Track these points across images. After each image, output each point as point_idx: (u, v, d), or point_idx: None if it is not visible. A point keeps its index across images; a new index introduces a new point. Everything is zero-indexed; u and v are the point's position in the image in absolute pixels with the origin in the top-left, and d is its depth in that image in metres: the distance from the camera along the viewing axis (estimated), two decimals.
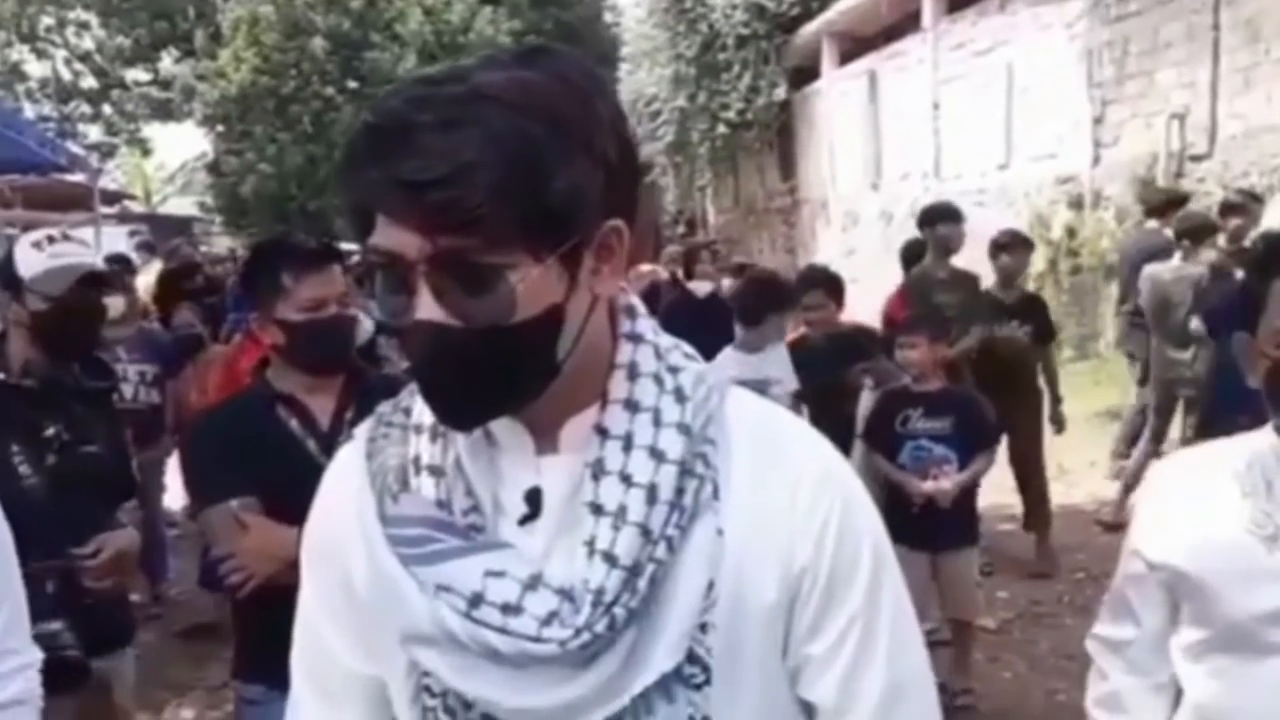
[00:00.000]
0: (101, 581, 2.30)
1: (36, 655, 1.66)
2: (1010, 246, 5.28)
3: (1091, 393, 7.60)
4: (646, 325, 0.94)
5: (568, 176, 0.79)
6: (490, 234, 0.78)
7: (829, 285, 4.52)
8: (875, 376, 4.23)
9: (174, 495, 6.08)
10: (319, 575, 1.00)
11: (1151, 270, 5.40)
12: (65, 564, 2.23)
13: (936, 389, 3.96)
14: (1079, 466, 6.52)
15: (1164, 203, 6.41)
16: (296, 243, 2.37)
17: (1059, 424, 5.39)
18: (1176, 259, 5.35)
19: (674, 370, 0.92)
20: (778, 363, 4.26)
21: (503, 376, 0.84)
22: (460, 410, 0.87)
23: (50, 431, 2.33)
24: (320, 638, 1.00)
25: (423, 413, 0.92)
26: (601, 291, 0.88)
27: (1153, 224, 6.27)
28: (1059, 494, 5.44)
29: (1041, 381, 5.39)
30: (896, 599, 0.95)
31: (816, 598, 0.91)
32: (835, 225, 14.58)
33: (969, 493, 3.99)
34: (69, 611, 2.13)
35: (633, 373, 0.91)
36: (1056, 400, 5.38)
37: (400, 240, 0.79)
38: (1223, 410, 4.49)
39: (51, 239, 2.37)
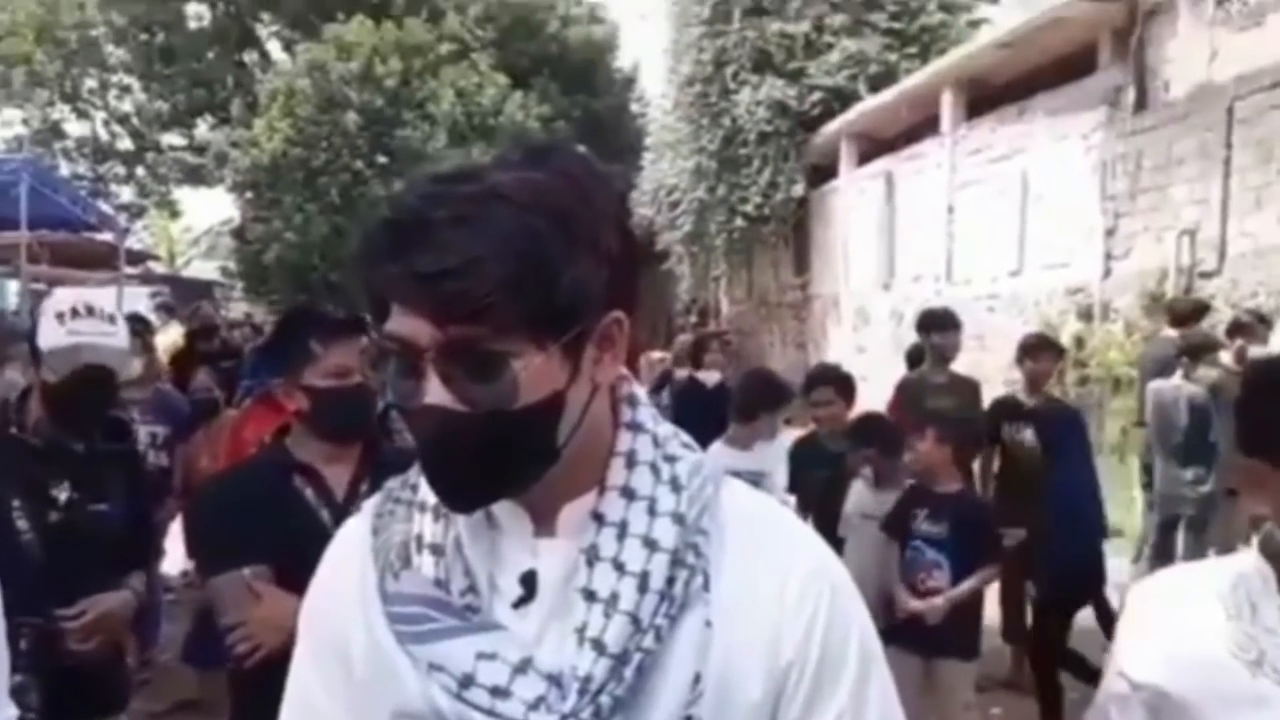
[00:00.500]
0: (84, 644, 2.30)
1: (12, 713, 1.66)
2: (1033, 350, 5.26)
3: None
4: (647, 414, 0.97)
5: (572, 273, 0.84)
6: (497, 324, 0.82)
7: (839, 383, 4.53)
8: (876, 467, 4.14)
9: (172, 560, 6.07)
10: (316, 644, 1.01)
11: (1155, 387, 5.42)
12: (44, 623, 2.22)
13: (944, 492, 3.86)
14: None
15: (1189, 311, 6.45)
16: (326, 311, 2.42)
17: None
18: (1177, 377, 5.37)
19: (671, 459, 0.94)
20: (767, 459, 4.27)
21: (504, 460, 0.87)
22: (462, 492, 0.90)
23: (57, 489, 2.34)
24: (311, 707, 1.00)
25: (428, 491, 0.95)
26: (602, 380, 0.91)
27: (1169, 333, 6.28)
28: None
29: None
30: (884, 696, 0.95)
31: (803, 694, 0.91)
32: (846, 323, 14.68)
33: (968, 605, 3.90)
34: (43, 672, 2.12)
35: (630, 461, 0.93)
36: None
37: (413, 328, 0.84)
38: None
39: (75, 312, 2.35)
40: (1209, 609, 1.31)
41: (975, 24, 15.39)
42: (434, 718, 0.87)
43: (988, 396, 5.49)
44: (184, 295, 12.87)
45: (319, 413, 2.18)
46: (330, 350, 2.17)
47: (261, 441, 4.46)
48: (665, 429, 0.97)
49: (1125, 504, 7.02)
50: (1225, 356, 5.32)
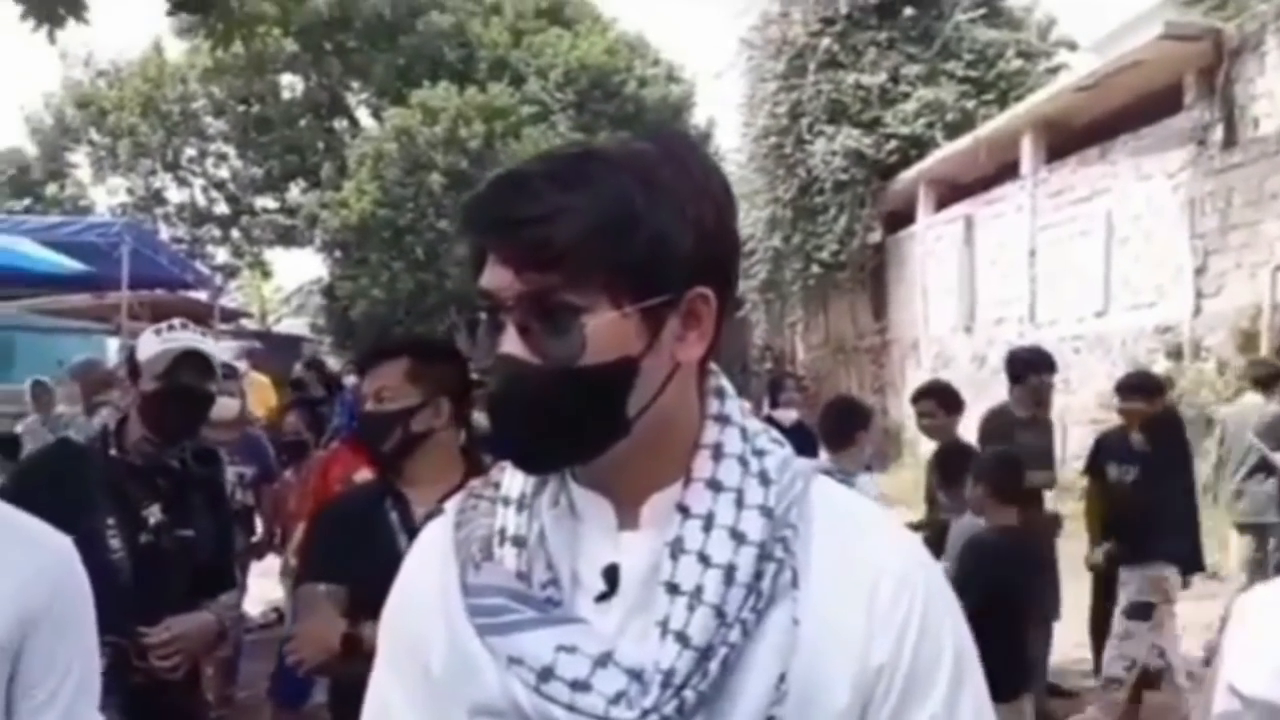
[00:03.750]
0: (165, 662, 2.34)
1: None
2: (1125, 391, 5.22)
3: None
4: (734, 407, 0.94)
5: (654, 229, 0.84)
6: (573, 274, 0.83)
7: (940, 396, 4.63)
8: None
9: (252, 600, 6.19)
10: (393, 645, 1.00)
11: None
12: (127, 643, 2.27)
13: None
14: None
15: (1270, 375, 6.32)
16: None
17: None
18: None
19: (760, 453, 0.92)
20: (868, 488, 4.26)
21: (569, 420, 0.86)
22: (526, 450, 0.90)
23: (149, 511, 2.42)
24: (387, 710, 0.99)
25: (511, 485, 0.95)
26: (684, 358, 0.89)
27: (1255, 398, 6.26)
28: None
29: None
30: (978, 705, 0.92)
31: (893, 701, 0.88)
32: (926, 367, 14.46)
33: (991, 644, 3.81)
34: (121, 692, 2.15)
35: (718, 453, 0.91)
36: None
37: (498, 278, 0.86)
38: None
39: (171, 326, 2.54)
40: None
41: (1054, 70, 15.24)
42: (513, 713, 0.86)
43: (1076, 439, 5.39)
44: (274, 350, 13.28)
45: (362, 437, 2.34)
46: (366, 379, 2.34)
47: (348, 480, 4.61)
48: (754, 424, 0.95)
49: (1221, 542, 6.76)
50: None
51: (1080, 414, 5.65)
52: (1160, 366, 8.86)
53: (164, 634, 2.35)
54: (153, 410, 2.46)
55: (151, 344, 2.48)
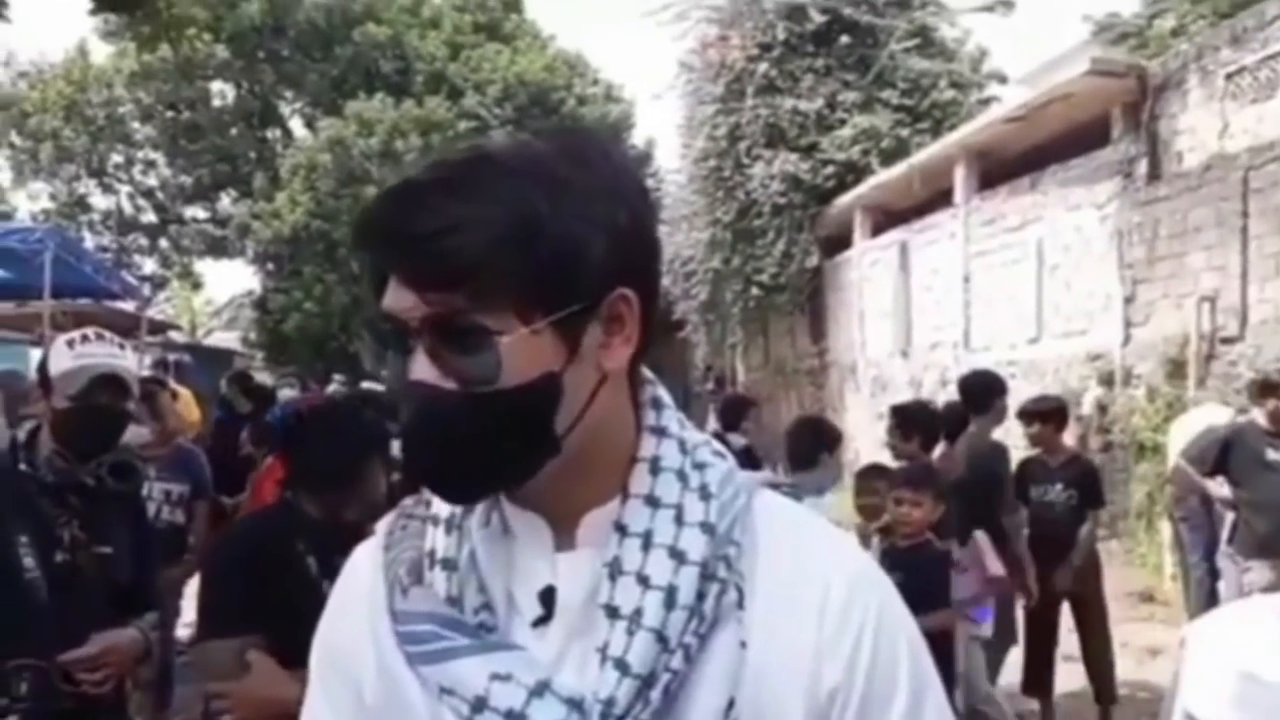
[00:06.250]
0: (92, 675, 2.25)
1: None
2: (1033, 414, 5.38)
3: (1121, 572, 7.43)
4: (672, 418, 0.90)
5: (560, 234, 0.78)
6: (479, 292, 0.77)
7: (897, 416, 4.74)
8: None
9: (185, 622, 6.00)
10: (325, 672, 0.95)
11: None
12: (43, 663, 2.18)
13: (906, 545, 3.97)
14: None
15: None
16: None
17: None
18: None
19: (700, 467, 0.88)
20: (835, 509, 4.23)
21: (492, 446, 0.81)
22: (448, 480, 0.84)
23: (63, 529, 2.32)
24: None
25: (441, 504, 0.89)
26: (610, 366, 0.83)
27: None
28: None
29: (1100, 548, 5.33)
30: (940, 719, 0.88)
31: None
32: (864, 390, 14.66)
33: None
34: (43, 716, 2.09)
35: (655, 467, 0.86)
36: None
37: (401, 300, 0.80)
38: None
39: (85, 338, 2.41)
40: (1277, 642, 1.27)
41: (985, 102, 15.62)
42: None
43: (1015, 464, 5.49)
44: (205, 363, 12.96)
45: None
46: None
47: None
48: (694, 435, 0.91)
49: (1153, 568, 6.91)
50: (1259, 417, 5.23)
51: (1019, 439, 5.72)
52: (1092, 393, 9.10)
53: (90, 650, 2.26)
54: (65, 428, 2.36)
55: (64, 358, 2.37)
